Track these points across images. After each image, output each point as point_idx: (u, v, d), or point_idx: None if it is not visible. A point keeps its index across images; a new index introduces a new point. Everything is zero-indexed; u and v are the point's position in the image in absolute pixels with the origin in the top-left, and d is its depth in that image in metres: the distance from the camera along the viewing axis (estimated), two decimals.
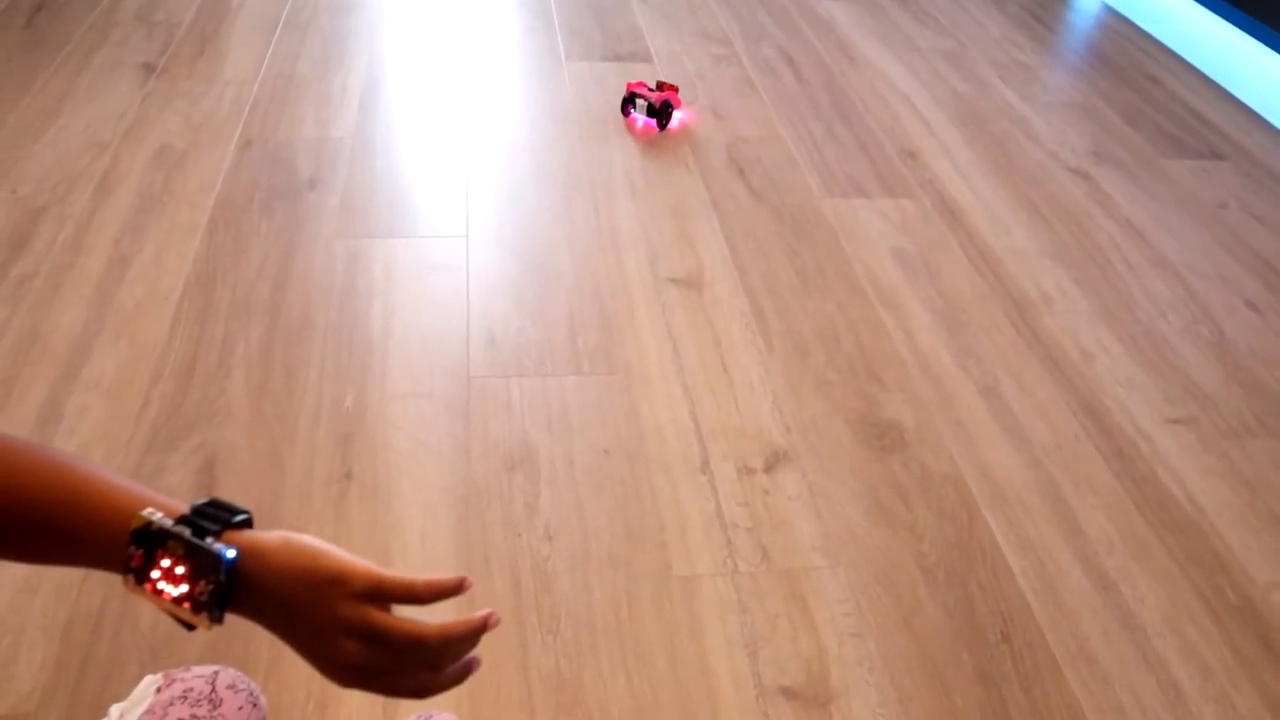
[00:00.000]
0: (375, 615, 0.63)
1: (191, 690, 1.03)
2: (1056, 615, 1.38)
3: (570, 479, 1.53)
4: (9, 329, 1.71)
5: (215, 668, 1.08)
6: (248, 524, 0.67)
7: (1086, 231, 2.18)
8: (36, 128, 2.25)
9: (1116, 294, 2.00)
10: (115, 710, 1.02)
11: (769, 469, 1.57)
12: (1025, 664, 1.32)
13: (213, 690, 1.04)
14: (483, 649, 1.29)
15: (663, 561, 1.42)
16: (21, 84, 2.42)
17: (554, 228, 2.07)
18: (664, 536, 1.45)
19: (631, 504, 1.50)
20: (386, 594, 0.63)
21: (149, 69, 2.54)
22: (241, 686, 1.08)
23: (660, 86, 2.51)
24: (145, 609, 1.31)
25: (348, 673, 0.64)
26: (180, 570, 0.61)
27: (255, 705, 1.08)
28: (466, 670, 0.68)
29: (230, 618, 0.62)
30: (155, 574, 0.61)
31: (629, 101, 2.47)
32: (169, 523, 0.61)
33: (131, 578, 0.61)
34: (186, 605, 0.61)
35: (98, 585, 1.32)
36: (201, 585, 0.61)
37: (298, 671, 1.25)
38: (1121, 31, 3.27)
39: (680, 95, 2.57)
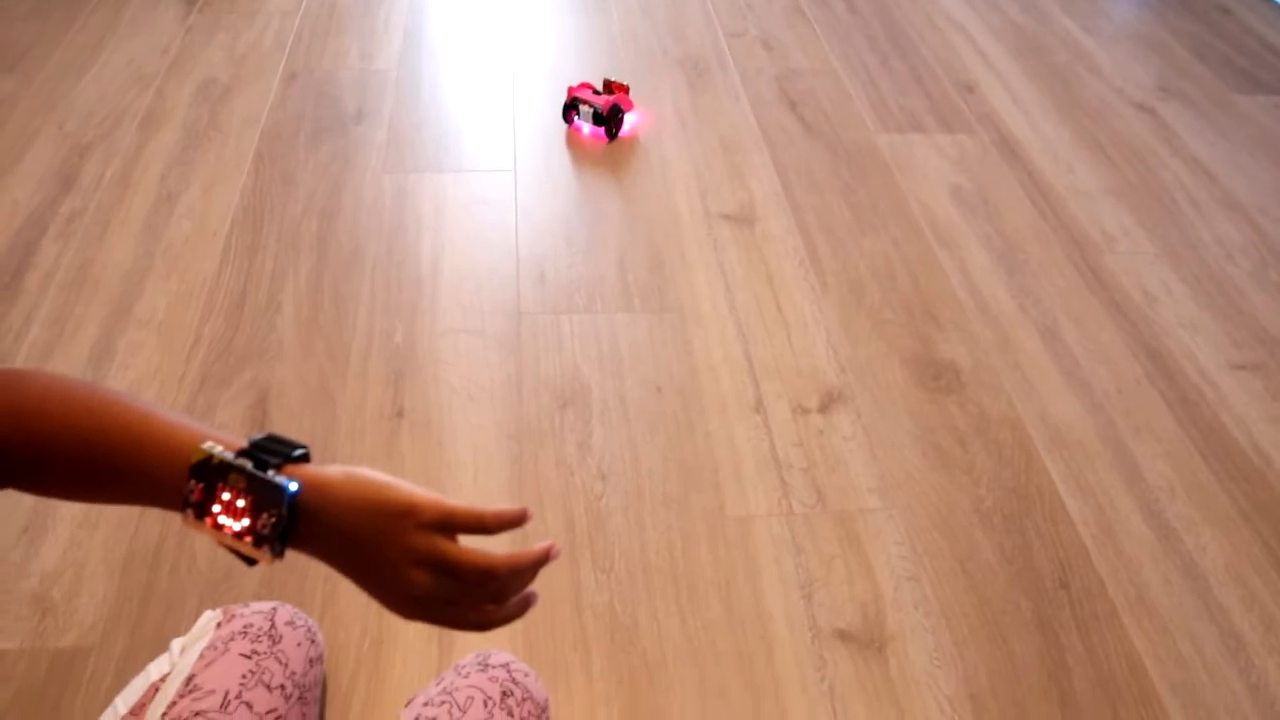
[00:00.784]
0: (446, 545, 0.62)
1: (251, 626, 1.04)
2: (1116, 562, 1.36)
3: (623, 417, 1.52)
4: (60, 266, 1.71)
5: (273, 604, 1.09)
6: (306, 458, 0.65)
7: (1151, 170, 2.11)
8: (81, 63, 2.24)
9: (1182, 235, 1.94)
10: (176, 645, 1.03)
11: (823, 409, 1.55)
12: (1083, 611, 1.30)
13: (272, 626, 1.05)
14: (538, 586, 1.29)
15: (716, 501, 1.41)
16: (65, 19, 2.40)
17: (602, 162, 2.04)
18: (717, 476, 1.44)
19: (684, 443, 1.48)
20: (456, 524, 0.63)
21: (190, 1, 2.51)
22: (300, 622, 1.08)
23: (608, 87, 2.18)
24: (203, 544, 1.32)
25: (414, 605, 0.64)
26: (241, 504, 0.60)
27: (313, 641, 1.09)
28: (526, 604, 0.68)
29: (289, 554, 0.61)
30: (216, 508, 0.60)
31: (570, 108, 2.13)
32: (230, 456, 0.60)
33: (191, 512, 0.60)
34: (248, 539, 0.60)
35: (155, 520, 1.33)
36: (264, 519, 0.60)
37: (354, 607, 1.26)
38: None
39: (632, 95, 2.25)
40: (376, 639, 1.23)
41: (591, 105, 2.07)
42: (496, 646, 1.22)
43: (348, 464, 1.42)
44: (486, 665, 0.99)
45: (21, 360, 1.54)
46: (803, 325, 1.68)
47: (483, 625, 0.65)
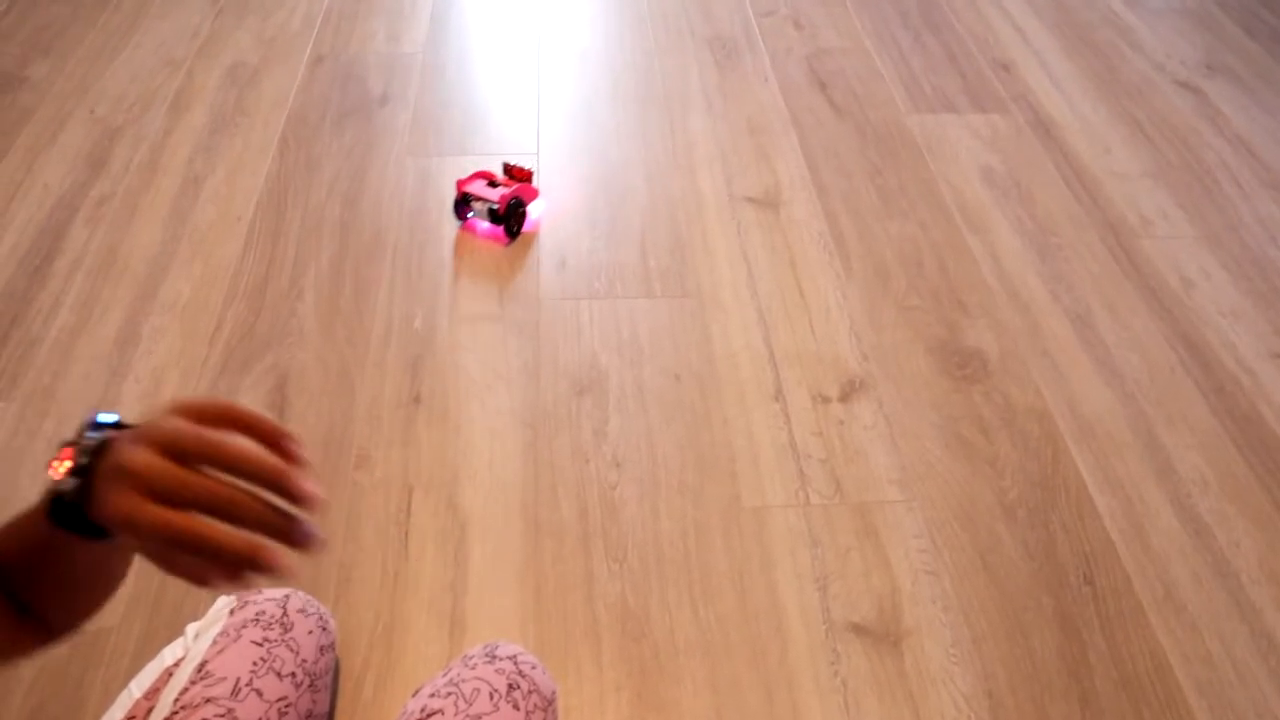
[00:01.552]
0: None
1: (264, 613, 1.04)
2: (1144, 558, 1.33)
3: (640, 405, 1.51)
4: (89, 250, 1.73)
5: (286, 591, 1.09)
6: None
7: (1193, 150, 2.05)
8: (113, 46, 2.25)
9: (1223, 218, 1.89)
10: (191, 630, 1.04)
11: (844, 398, 1.52)
12: (1108, 608, 1.27)
13: (284, 614, 1.05)
14: (549, 575, 1.29)
15: (732, 491, 1.39)
16: (98, 2, 2.42)
17: (627, 144, 2.02)
18: (735, 466, 1.42)
19: (702, 431, 1.47)
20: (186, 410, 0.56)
21: None
22: (312, 610, 1.09)
23: (510, 174, 1.84)
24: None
25: (122, 491, 0.52)
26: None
27: (325, 629, 1.09)
28: (255, 553, 0.51)
29: None
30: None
31: (462, 204, 1.81)
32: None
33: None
34: (65, 464, 0.55)
35: None
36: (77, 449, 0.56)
37: (367, 593, 1.26)
38: None
39: (536, 181, 1.91)
40: (389, 625, 1.23)
41: (486, 201, 1.76)
42: (506, 637, 1.22)
43: (361, 451, 1.43)
44: (494, 657, 0.98)
45: (49, 345, 1.56)
46: (825, 311, 1.66)
47: (201, 546, 0.51)
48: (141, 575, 1.27)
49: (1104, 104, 2.18)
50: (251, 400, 1.48)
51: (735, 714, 1.16)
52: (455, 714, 0.91)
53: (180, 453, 0.52)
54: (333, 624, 1.11)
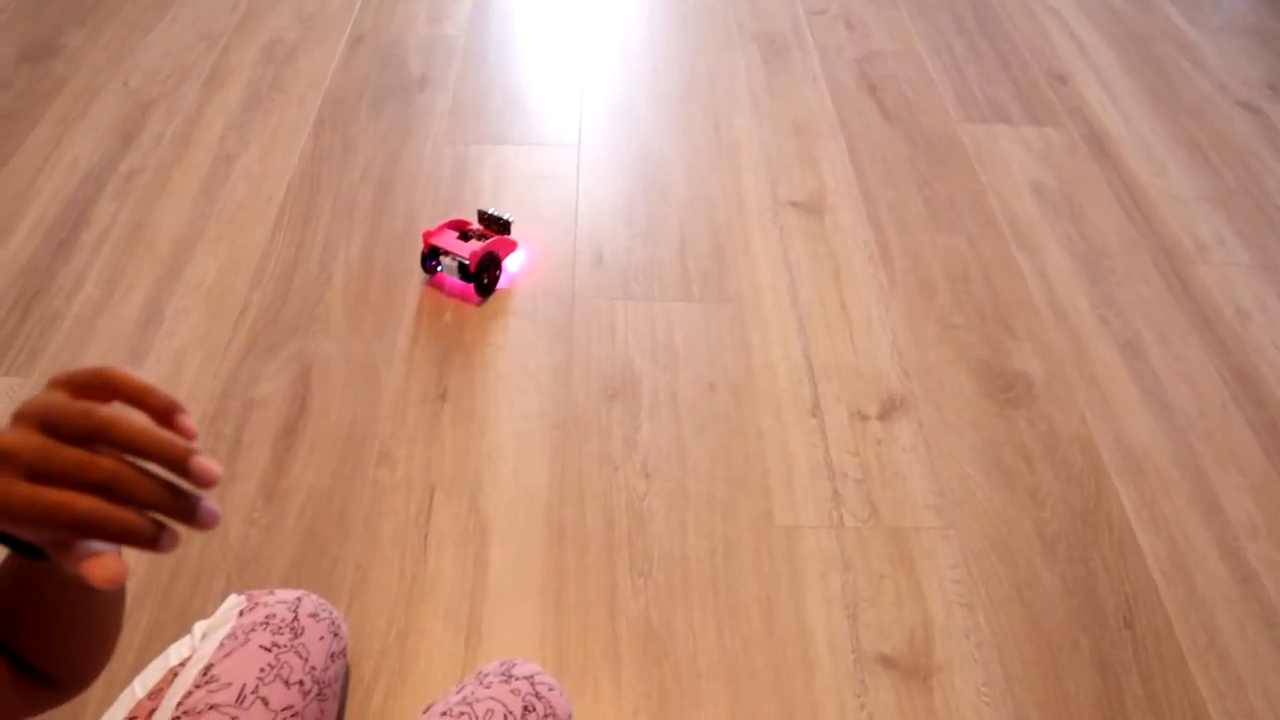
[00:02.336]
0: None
1: (274, 616, 1.01)
2: (1187, 603, 1.27)
3: (673, 413, 1.46)
4: (116, 224, 1.70)
5: (299, 593, 1.06)
6: None
7: (1254, 174, 1.98)
8: (149, 19, 2.22)
9: None
10: (199, 628, 1.01)
11: (884, 416, 1.47)
12: (1148, 654, 1.21)
13: (295, 618, 1.02)
14: (571, 587, 1.24)
15: (764, 508, 1.34)
16: None
17: (670, 141, 1.97)
18: (767, 482, 1.38)
19: (735, 444, 1.42)
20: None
21: None
22: (323, 615, 1.05)
23: (485, 223, 1.67)
24: (236, 520, 1.29)
25: None
26: None
27: (336, 635, 1.05)
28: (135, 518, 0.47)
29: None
30: None
31: (430, 257, 1.63)
32: None
33: None
34: None
35: None
36: None
37: (382, 597, 1.23)
38: None
39: (514, 231, 1.69)
40: (403, 631, 1.20)
41: (455, 256, 1.58)
42: (524, 649, 1.18)
43: (384, 447, 1.39)
44: (510, 676, 0.95)
45: (70, 321, 1.53)
46: (867, 325, 1.61)
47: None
48: (150, 565, 1.24)
49: (1162, 122, 2.11)
50: (274, 389, 1.45)
51: None
52: None
53: (56, 427, 0.47)
54: (345, 629, 1.08)
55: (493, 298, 1.61)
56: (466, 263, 1.56)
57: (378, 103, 2.01)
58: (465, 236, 1.62)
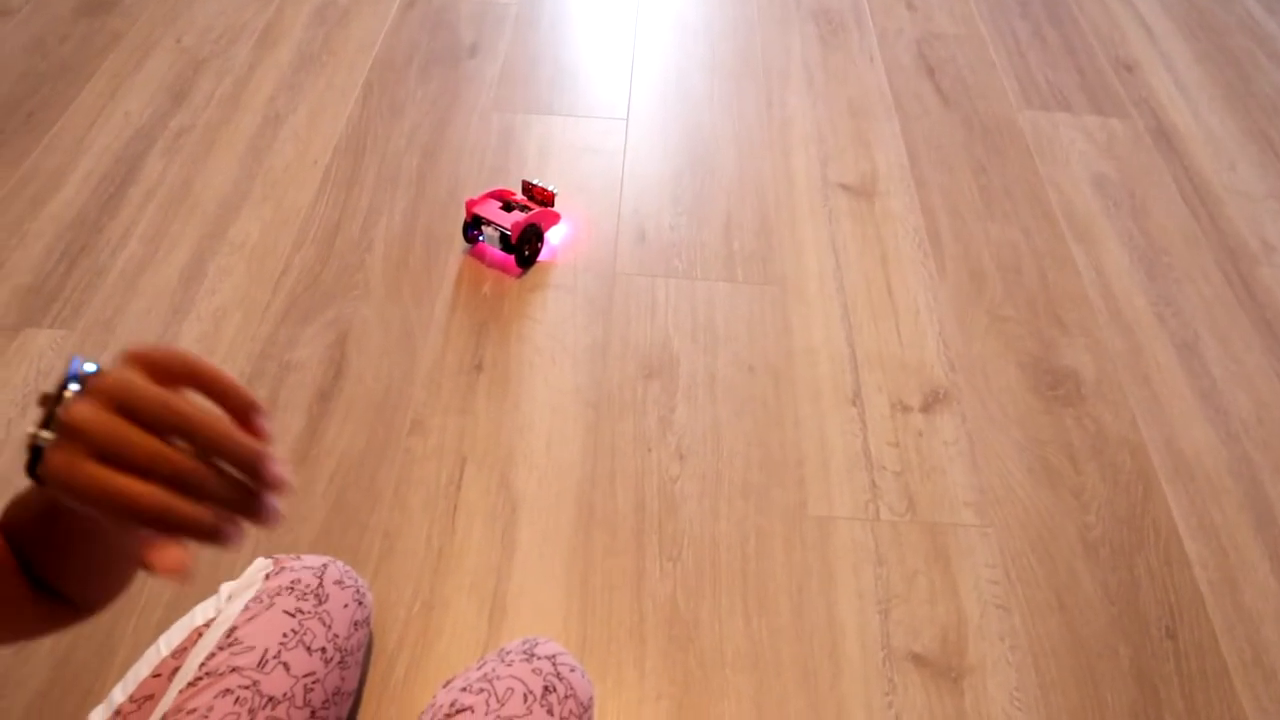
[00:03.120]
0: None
1: (299, 581, 1.00)
2: (1234, 616, 1.23)
3: (710, 395, 1.44)
4: (164, 182, 1.70)
5: (325, 560, 1.05)
6: None
7: None
8: None
9: None
10: (225, 589, 1.00)
11: (926, 408, 1.44)
12: (1190, 667, 1.18)
13: (320, 584, 1.01)
14: (598, 568, 1.23)
15: (799, 497, 1.32)
16: None
17: (720, 118, 1.93)
18: (803, 471, 1.35)
19: (772, 430, 1.40)
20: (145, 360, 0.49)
21: None
22: (349, 582, 1.05)
23: (530, 195, 1.65)
24: None
25: (64, 449, 0.46)
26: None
27: (360, 603, 1.05)
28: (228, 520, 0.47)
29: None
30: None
31: (472, 227, 1.60)
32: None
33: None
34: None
35: None
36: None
37: (408, 566, 1.22)
38: None
39: (558, 204, 1.70)
40: (427, 603, 1.19)
41: (497, 227, 1.56)
42: (548, 628, 1.17)
43: (418, 417, 1.38)
44: (532, 655, 0.93)
45: (115, 276, 1.54)
46: (914, 313, 1.57)
47: (151, 511, 0.44)
48: None
49: (1233, 116, 2.03)
50: (310, 353, 1.44)
51: None
52: (486, 713, 0.86)
53: (133, 411, 0.46)
54: (369, 598, 1.07)
55: (533, 270, 1.60)
56: (509, 233, 1.54)
57: (427, 68, 1.99)
58: (508, 207, 1.60)
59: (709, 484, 1.33)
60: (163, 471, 0.46)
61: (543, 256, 1.63)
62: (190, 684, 0.88)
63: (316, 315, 1.50)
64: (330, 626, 0.98)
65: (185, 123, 1.82)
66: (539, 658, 0.93)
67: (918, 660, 1.16)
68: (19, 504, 0.56)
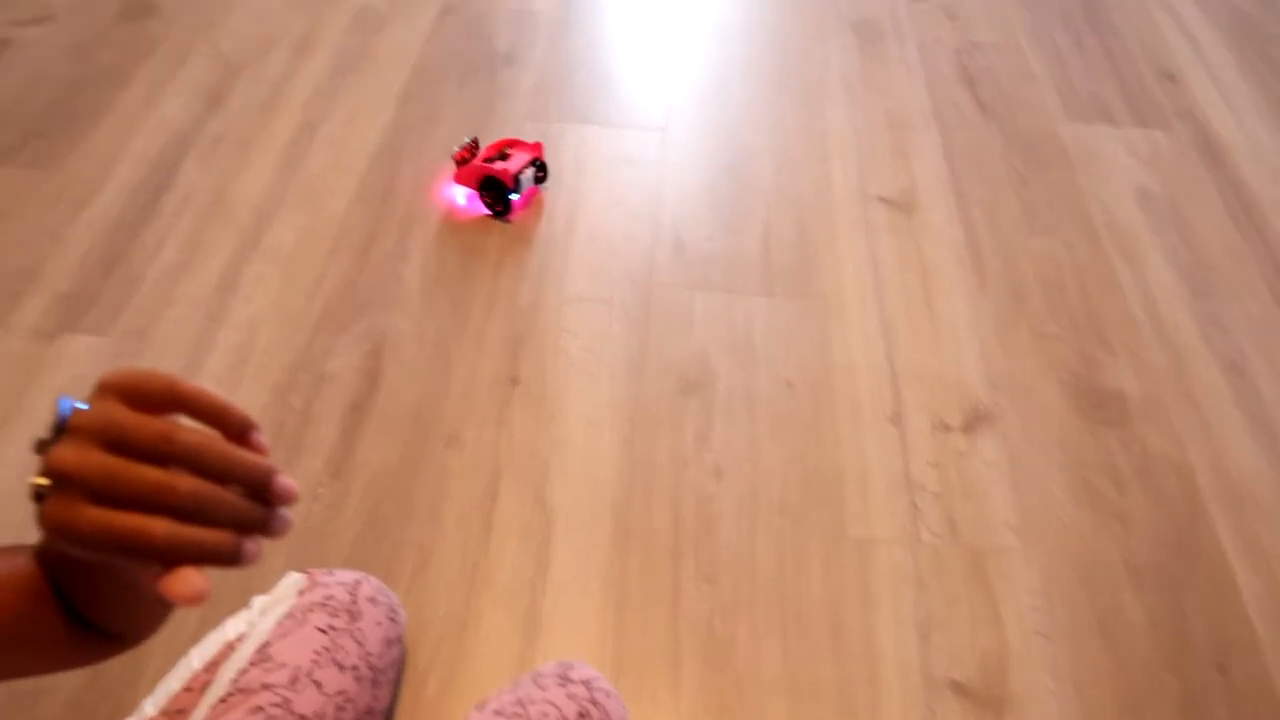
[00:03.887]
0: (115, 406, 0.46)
1: (332, 598, 0.99)
2: None
3: (747, 412, 1.42)
4: (199, 189, 1.70)
5: (358, 575, 1.04)
6: None
7: None
8: None
9: None
10: (258, 603, 0.99)
11: (967, 428, 1.41)
12: (1242, 703, 1.14)
13: (353, 601, 1.00)
14: (633, 586, 1.21)
15: (837, 518, 1.30)
16: None
17: (758, 129, 1.91)
18: (842, 491, 1.33)
19: (810, 448, 1.38)
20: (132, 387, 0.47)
21: None
22: (382, 600, 1.04)
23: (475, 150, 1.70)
24: (301, 499, 1.28)
25: (58, 498, 0.44)
26: None
27: (394, 620, 1.04)
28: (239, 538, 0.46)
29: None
30: None
31: (490, 189, 1.66)
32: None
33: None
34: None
35: None
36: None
37: (442, 583, 1.21)
38: None
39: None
40: (461, 619, 1.18)
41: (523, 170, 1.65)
42: (583, 647, 1.16)
43: (452, 430, 1.37)
44: (566, 679, 0.92)
45: (151, 283, 1.54)
46: (954, 330, 1.54)
47: (161, 543, 0.43)
48: None
49: None
50: (345, 363, 1.44)
51: None
52: None
53: (125, 445, 0.44)
54: (403, 615, 1.06)
55: (570, 282, 1.58)
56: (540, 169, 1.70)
57: (463, 76, 1.98)
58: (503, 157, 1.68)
59: (746, 503, 1.31)
60: (169, 502, 0.44)
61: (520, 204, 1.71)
62: (222, 700, 0.88)
63: (351, 325, 1.49)
64: (363, 644, 0.97)
65: (221, 129, 1.82)
66: (574, 682, 0.91)
67: (958, 688, 1.14)
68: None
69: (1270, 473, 1.38)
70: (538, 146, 1.72)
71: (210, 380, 1.41)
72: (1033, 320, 1.57)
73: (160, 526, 0.43)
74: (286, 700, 0.88)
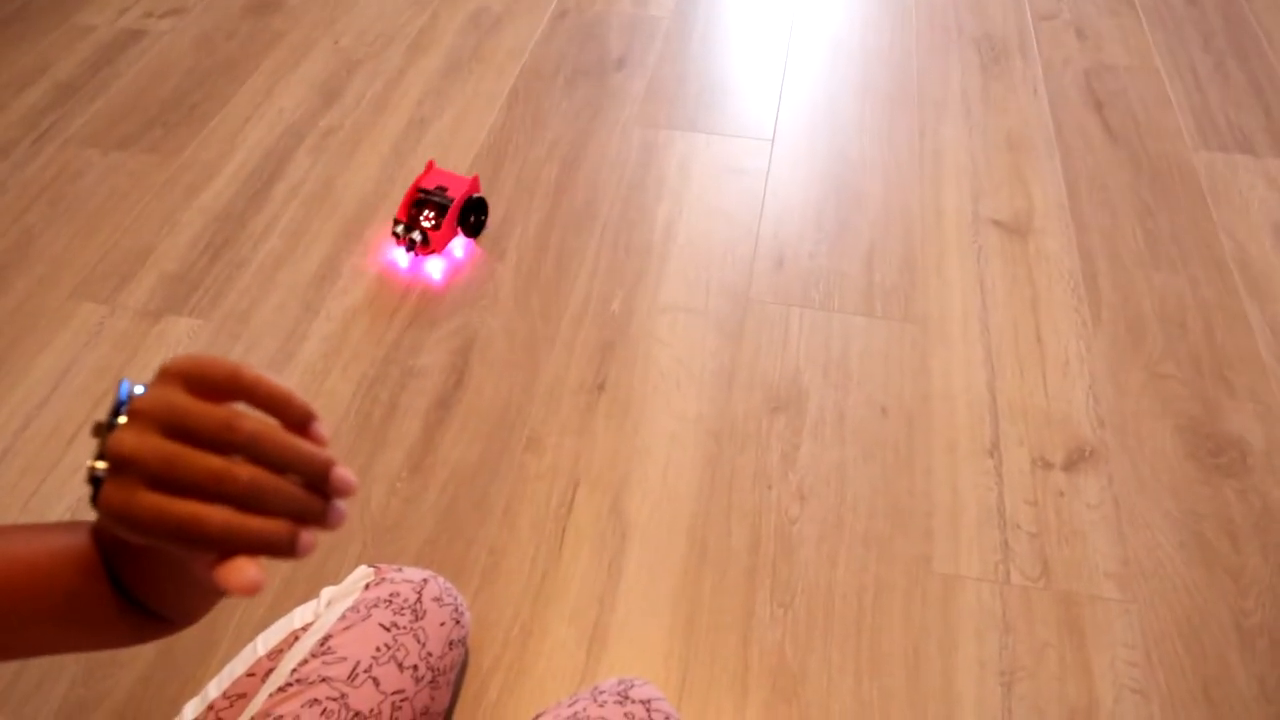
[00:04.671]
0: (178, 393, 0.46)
1: (398, 595, 0.99)
2: None
3: (838, 434, 1.37)
4: (308, 179, 1.73)
5: (426, 574, 1.03)
6: None
7: None
8: None
9: None
10: (326, 594, 0.99)
11: (1069, 466, 1.34)
12: None
13: (418, 599, 0.99)
14: (705, 606, 1.18)
15: (924, 552, 1.24)
16: None
17: (870, 144, 1.86)
18: (931, 523, 1.27)
19: (901, 477, 1.32)
20: (205, 374, 0.46)
21: None
22: (448, 600, 1.02)
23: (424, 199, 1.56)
24: (378, 488, 1.29)
25: (116, 482, 0.44)
26: None
27: (458, 622, 1.03)
28: (298, 527, 0.46)
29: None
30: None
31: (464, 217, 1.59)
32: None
33: None
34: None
35: (339, 454, 1.31)
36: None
37: (511, 588, 1.19)
38: None
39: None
40: (526, 627, 1.16)
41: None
42: (649, 666, 1.13)
43: (534, 433, 1.36)
44: (626, 698, 0.89)
45: (254, 269, 1.57)
46: (1063, 363, 1.47)
47: (217, 533, 0.43)
48: None
49: None
50: (433, 360, 1.44)
51: None
52: None
53: (186, 431, 0.44)
54: (467, 618, 1.05)
55: (665, 291, 1.55)
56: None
57: (573, 79, 1.98)
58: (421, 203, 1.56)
59: (829, 528, 1.26)
60: (228, 491, 0.44)
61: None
62: (281, 689, 0.88)
63: (443, 322, 1.49)
64: (424, 644, 0.96)
65: (334, 122, 1.85)
66: (633, 701, 0.89)
67: None
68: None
69: None
70: (473, 182, 1.59)
71: (301, 368, 1.43)
72: (1149, 358, 1.48)
73: (218, 515, 0.43)
74: (343, 695, 0.88)
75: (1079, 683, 1.12)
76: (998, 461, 1.34)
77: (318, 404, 1.38)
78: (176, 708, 1.07)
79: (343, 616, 0.95)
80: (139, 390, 0.48)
